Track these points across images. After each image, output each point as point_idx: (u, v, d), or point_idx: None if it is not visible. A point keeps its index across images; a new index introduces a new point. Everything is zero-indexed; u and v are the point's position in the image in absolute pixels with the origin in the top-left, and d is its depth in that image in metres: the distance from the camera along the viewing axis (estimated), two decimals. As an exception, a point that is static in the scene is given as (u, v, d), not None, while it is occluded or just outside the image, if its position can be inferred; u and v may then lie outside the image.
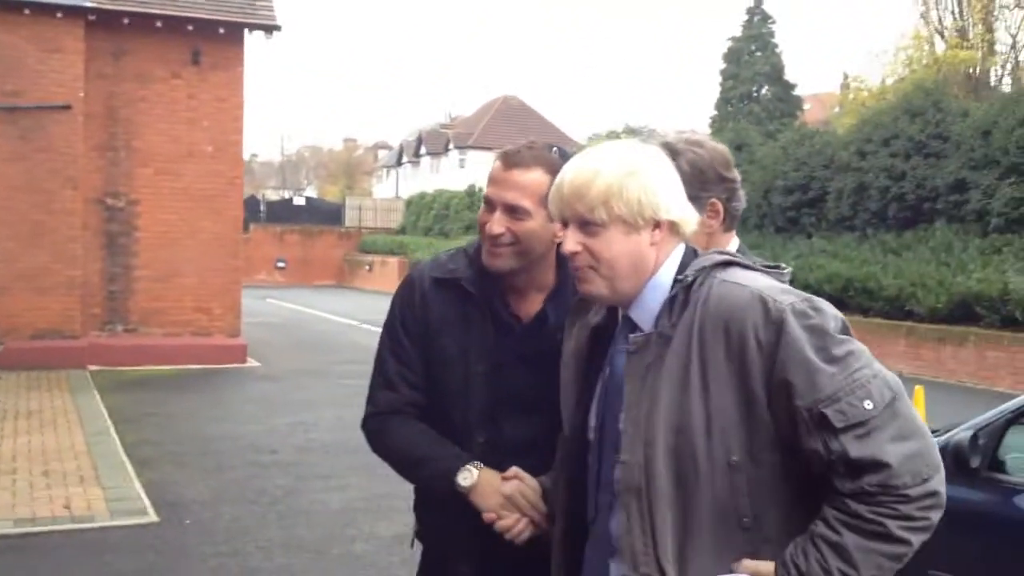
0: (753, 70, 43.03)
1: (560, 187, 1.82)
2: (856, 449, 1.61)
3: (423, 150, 59.32)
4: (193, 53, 14.31)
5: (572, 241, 1.81)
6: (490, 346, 2.31)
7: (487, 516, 2.17)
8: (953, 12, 30.70)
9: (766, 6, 43.36)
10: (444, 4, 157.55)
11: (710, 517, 1.69)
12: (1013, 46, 30.53)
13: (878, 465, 1.60)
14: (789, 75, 43.63)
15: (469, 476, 2.21)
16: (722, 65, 44.36)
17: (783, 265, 1.87)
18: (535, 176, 2.21)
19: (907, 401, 1.67)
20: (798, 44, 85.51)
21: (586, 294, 1.87)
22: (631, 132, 57.69)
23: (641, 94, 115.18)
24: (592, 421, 1.91)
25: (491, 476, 2.21)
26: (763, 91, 43.03)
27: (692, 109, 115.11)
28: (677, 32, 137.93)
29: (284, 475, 7.92)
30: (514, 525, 2.16)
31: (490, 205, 2.26)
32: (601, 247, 1.79)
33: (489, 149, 53.63)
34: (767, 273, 1.81)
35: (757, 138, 22.21)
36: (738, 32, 44.19)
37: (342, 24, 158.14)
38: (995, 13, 30.68)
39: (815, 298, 1.73)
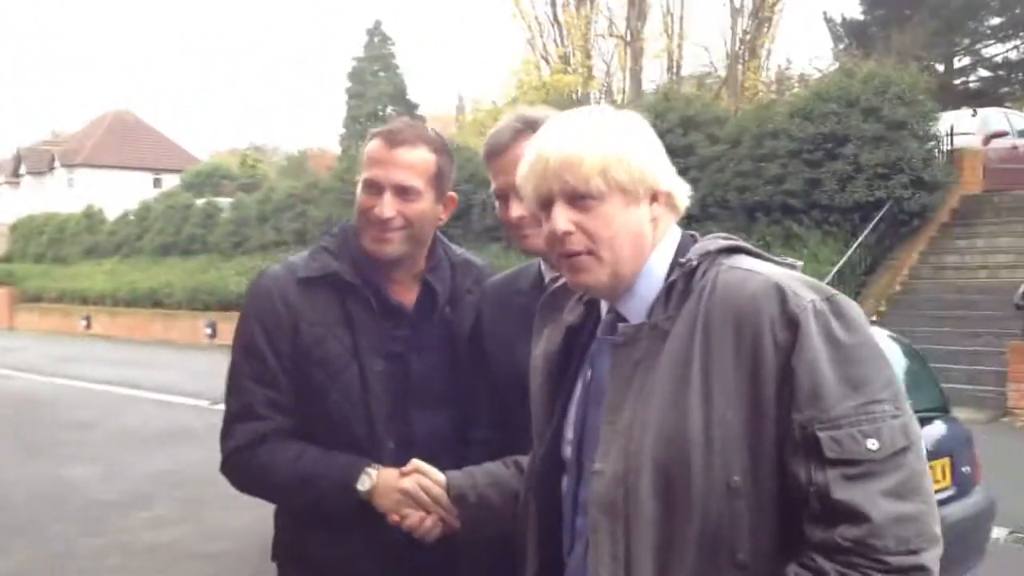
0: (378, 90, 43.98)
1: (542, 159, 1.55)
2: (840, 490, 1.35)
3: (23, 169, 53.85)
4: None
5: (564, 219, 1.52)
6: (383, 339, 2.13)
7: (390, 518, 1.99)
8: (555, 40, 33.16)
9: (385, 28, 44.46)
10: (38, 12, 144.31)
11: (697, 548, 1.41)
12: (608, 72, 33.60)
13: (858, 517, 1.33)
14: (411, 96, 45.10)
15: (368, 479, 2.02)
16: (348, 84, 44.86)
17: (793, 261, 1.61)
18: (423, 154, 2.12)
19: (922, 456, 1.41)
20: (418, 66, 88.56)
21: (580, 286, 1.59)
22: (256, 149, 56.55)
23: (266, 111, 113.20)
24: (569, 434, 1.64)
25: (389, 475, 2.02)
26: (388, 110, 44.03)
27: (321, 127, 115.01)
28: (305, 50, 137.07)
29: (-77, 546, 6.75)
30: (420, 523, 1.98)
31: (376, 188, 2.10)
32: (599, 224, 1.52)
33: (101, 167, 49.97)
34: (775, 261, 1.56)
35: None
36: (361, 52, 44.91)
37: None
38: (592, 41, 33.54)
39: (840, 299, 1.45)
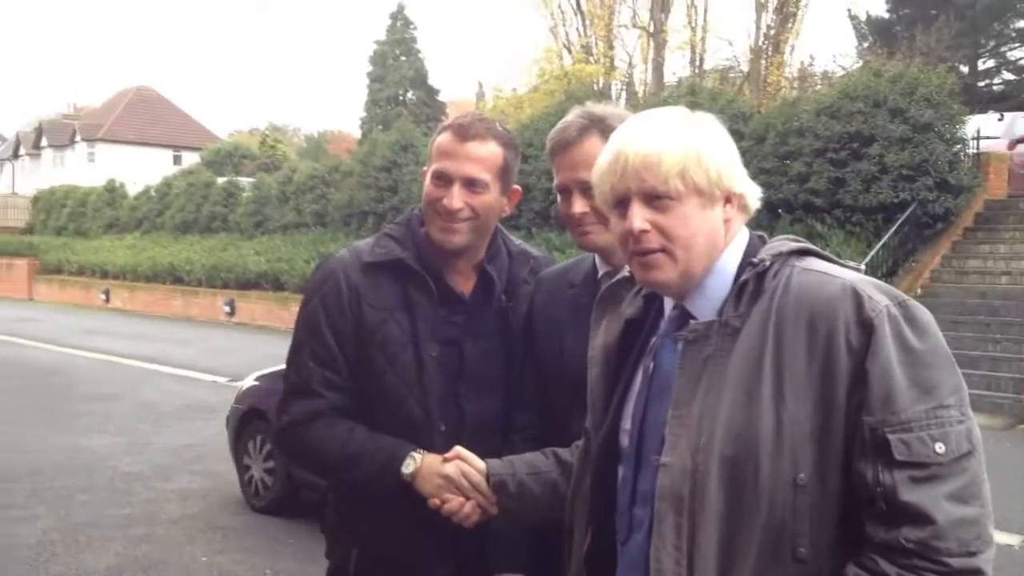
0: (399, 74, 43.95)
1: (621, 158, 1.58)
2: (907, 492, 1.39)
3: (44, 142, 54.09)
4: None
5: (640, 218, 1.55)
6: (440, 325, 2.21)
7: (431, 502, 2.06)
8: (578, 29, 33.13)
9: (408, 12, 44.40)
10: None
11: (761, 542, 1.45)
12: (630, 64, 33.55)
13: (923, 519, 1.38)
14: (433, 81, 45.12)
15: (412, 463, 2.10)
16: (369, 68, 44.88)
17: (856, 264, 1.70)
18: (492, 148, 2.19)
19: (982, 461, 1.45)
20: (440, 51, 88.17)
21: (651, 283, 1.62)
22: (275, 129, 56.65)
23: (287, 92, 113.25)
24: (627, 424, 1.67)
25: (432, 460, 2.09)
26: (409, 95, 44.06)
27: (341, 109, 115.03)
28: (325, 32, 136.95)
29: (-48, 510, 6.86)
30: (459, 508, 2.04)
31: (445, 179, 2.18)
32: (676, 224, 1.55)
33: (122, 143, 50.13)
34: (842, 264, 1.59)
35: (422, 139, 22.63)
36: (383, 36, 44.90)
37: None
38: (614, 32, 33.46)
39: (911, 304, 1.49)
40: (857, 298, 1.46)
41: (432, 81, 45.19)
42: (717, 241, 1.59)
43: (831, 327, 1.45)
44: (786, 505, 1.44)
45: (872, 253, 14.40)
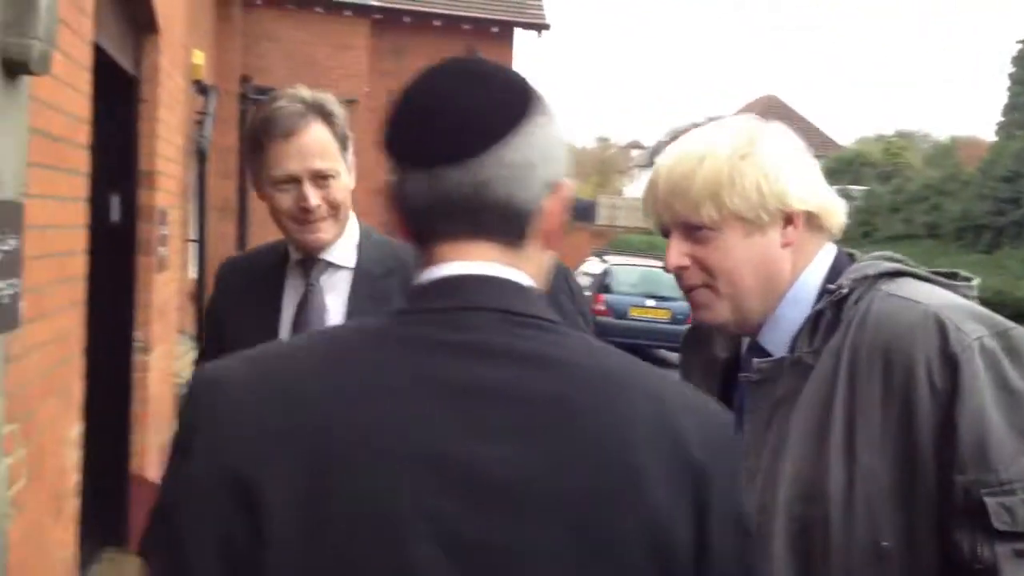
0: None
1: (655, 183, 1.40)
2: (1012, 570, 1.15)
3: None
4: (467, 51, 14.86)
5: (677, 253, 1.38)
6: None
7: None
8: None
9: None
10: (702, 8, 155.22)
11: None
12: None
13: None
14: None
15: None
16: (1011, 69, 41.17)
17: (965, 273, 1.39)
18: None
19: None
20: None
21: (704, 323, 1.44)
22: (903, 136, 54.54)
23: (914, 98, 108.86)
24: None
25: None
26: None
27: (973, 114, 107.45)
28: (955, 33, 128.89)
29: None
30: None
31: None
32: (716, 257, 1.36)
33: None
34: (947, 286, 1.34)
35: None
36: (1031, 32, 40.81)
37: (594, 26, 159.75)
38: None
39: (1016, 333, 1.24)
40: (941, 328, 1.22)
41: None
42: (774, 271, 1.37)
43: (909, 365, 1.22)
44: (867, 573, 1.23)
45: None
